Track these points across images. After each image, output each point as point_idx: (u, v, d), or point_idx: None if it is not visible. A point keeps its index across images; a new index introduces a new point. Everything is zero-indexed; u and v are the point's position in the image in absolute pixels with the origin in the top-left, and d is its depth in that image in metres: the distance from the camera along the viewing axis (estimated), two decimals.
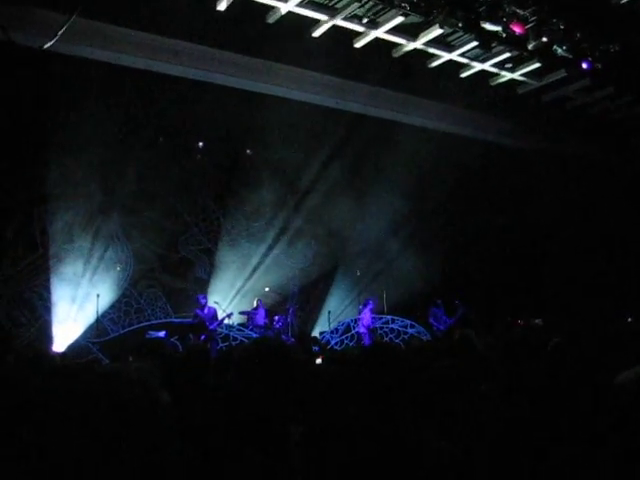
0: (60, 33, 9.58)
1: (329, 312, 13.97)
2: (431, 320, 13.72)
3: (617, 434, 2.36)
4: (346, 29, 11.59)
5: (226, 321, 11.81)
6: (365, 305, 13.28)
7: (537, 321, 12.45)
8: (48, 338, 11.19)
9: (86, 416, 1.94)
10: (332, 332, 13.59)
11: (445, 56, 12.74)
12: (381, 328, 13.48)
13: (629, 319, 10.49)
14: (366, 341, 12.58)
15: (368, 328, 12.91)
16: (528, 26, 10.73)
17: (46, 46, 9.79)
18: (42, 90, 10.78)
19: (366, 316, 13.06)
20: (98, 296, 11.45)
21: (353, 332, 13.60)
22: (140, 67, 11.37)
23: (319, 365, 4.96)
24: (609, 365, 3.04)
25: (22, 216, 11.36)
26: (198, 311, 11.43)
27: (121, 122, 11.85)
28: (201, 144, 13.24)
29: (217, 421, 2.37)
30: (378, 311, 13.69)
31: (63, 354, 9.73)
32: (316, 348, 11.99)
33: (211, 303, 11.87)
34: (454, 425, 2.69)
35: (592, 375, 2.94)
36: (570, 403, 2.67)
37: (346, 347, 12.59)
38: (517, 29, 10.65)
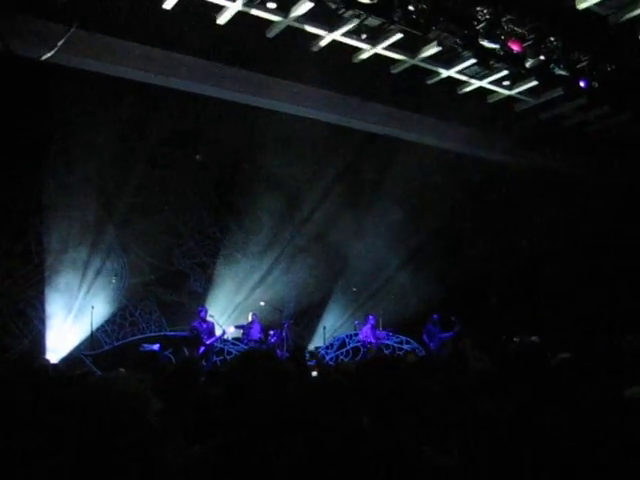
0: (59, 44, 9.61)
1: (324, 327, 13.93)
2: (425, 338, 13.67)
3: (628, 447, 2.33)
4: (345, 44, 11.64)
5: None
6: (365, 322, 13.28)
7: (533, 338, 12.38)
8: (42, 349, 11.12)
9: (75, 425, 1.92)
10: (327, 347, 13.55)
11: (443, 73, 12.79)
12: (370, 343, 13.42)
13: (627, 336, 10.42)
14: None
15: (369, 342, 12.96)
16: (526, 44, 10.78)
17: (45, 57, 9.80)
18: (40, 101, 10.78)
19: (367, 332, 13.08)
20: (92, 308, 11.40)
21: (348, 348, 13.57)
22: (138, 80, 11.38)
23: (314, 378, 4.92)
24: (613, 381, 3.02)
25: (17, 226, 11.31)
26: (196, 324, 11.38)
27: (118, 134, 11.82)
28: (198, 157, 13.22)
29: (205, 433, 2.34)
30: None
31: (56, 366, 9.65)
32: (313, 362, 11.95)
33: (207, 316, 11.82)
34: (452, 439, 2.66)
35: (598, 390, 2.91)
36: (576, 418, 2.64)
37: (341, 362, 12.52)
38: (515, 47, 10.70)
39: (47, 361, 9.96)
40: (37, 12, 9.63)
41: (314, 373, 5.51)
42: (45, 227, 11.50)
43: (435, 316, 13.78)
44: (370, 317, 13.32)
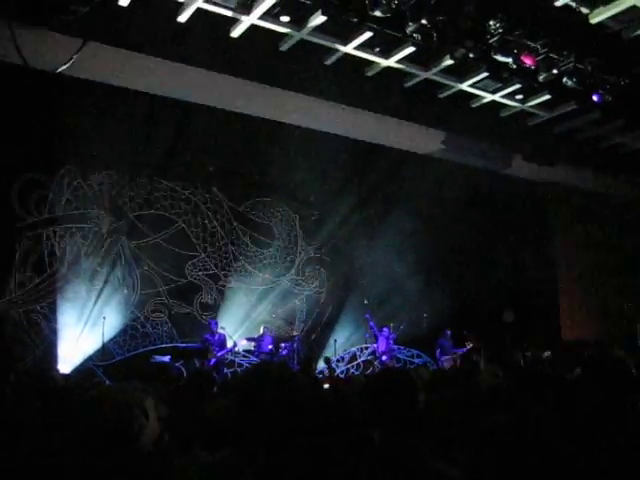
0: (74, 57, 9.70)
1: (335, 340, 13.88)
2: (437, 353, 13.59)
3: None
4: (358, 58, 11.68)
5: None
6: (380, 333, 13.22)
7: (546, 354, 12.31)
8: (53, 360, 11.14)
9: (77, 434, 1.93)
10: (338, 360, 13.50)
11: (456, 86, 12.80)
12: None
13: None
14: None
15: (384, 353, 12.93)
16: (539, 58, 10.77)
17: (59, 69, 9.91)
18: (54, 113, 10.88)
19: (382, 344, 13.05)
20: (104, 319, 11.42)
21: (359, 361, 13.52)
22: (152, 92, 11.49)
23: (326, 390, 4.90)
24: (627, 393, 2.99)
25: (30, 237, 11.37)
26: (207, 336, 11.40)
27: (131, 146, 11.90)
28: (211, 169, 13.27)
29: (215, 444, 2.33)
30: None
31: (67, 376, 9.67)
32: (325, 370, 11.93)
33: (218, 329, 11.82)
34: (461, 452, 2.64)
35: (611, 403, 2.88)
36: (588, 431, 2.61)
37: (351, 375, 12.48)
38: (528, 61, 10.69)
39: (58, 371, 10.00)
40: (52, 25, 9.72)
41: (326, 385, 5.50)
42: (58, 238, 11.56)
43: (448, 331, 13.69)
44: (384, 328, 13.27)
